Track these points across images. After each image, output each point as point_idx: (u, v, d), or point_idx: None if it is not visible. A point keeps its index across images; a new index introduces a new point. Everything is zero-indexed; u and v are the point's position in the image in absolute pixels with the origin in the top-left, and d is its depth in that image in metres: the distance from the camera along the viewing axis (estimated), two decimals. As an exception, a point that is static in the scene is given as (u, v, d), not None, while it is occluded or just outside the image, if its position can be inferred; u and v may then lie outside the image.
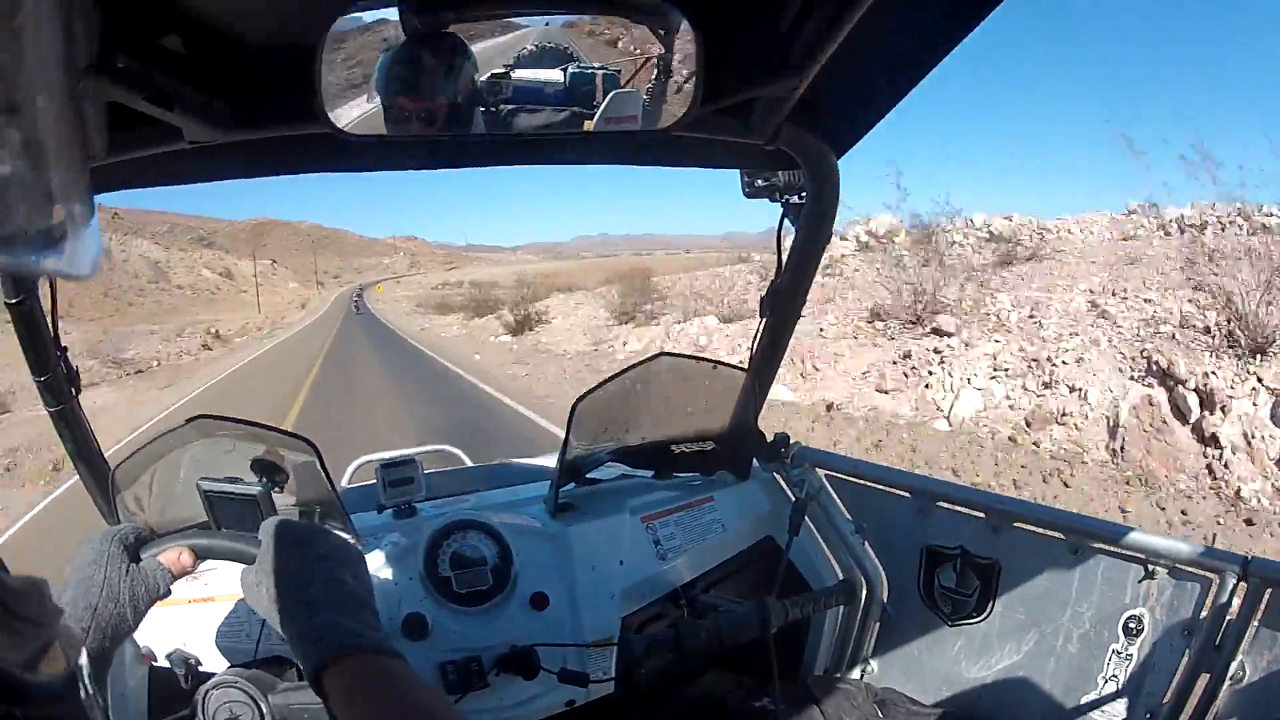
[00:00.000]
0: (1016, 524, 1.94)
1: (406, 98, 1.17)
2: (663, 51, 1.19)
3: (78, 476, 1.89)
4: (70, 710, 0.57)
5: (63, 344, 1.71)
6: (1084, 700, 1.82)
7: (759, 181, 1.81)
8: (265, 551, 1.06)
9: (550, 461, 2.12)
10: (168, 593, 1.12)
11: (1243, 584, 1.60)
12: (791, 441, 2.24)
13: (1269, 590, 1.56)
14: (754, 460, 2.23)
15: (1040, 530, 1.92)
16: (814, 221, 1.79)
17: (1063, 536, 1.87)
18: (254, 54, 1.11)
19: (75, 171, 0.37)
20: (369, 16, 1.08)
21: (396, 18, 1.10)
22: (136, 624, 1.07)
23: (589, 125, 1.23)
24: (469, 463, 2.85)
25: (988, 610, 2.00)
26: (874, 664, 2.21)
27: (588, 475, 2.01)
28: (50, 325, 1.65)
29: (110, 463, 1.71)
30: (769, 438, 2.23)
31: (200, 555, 1.15)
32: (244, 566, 1.12)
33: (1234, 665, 1.58)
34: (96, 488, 1.82)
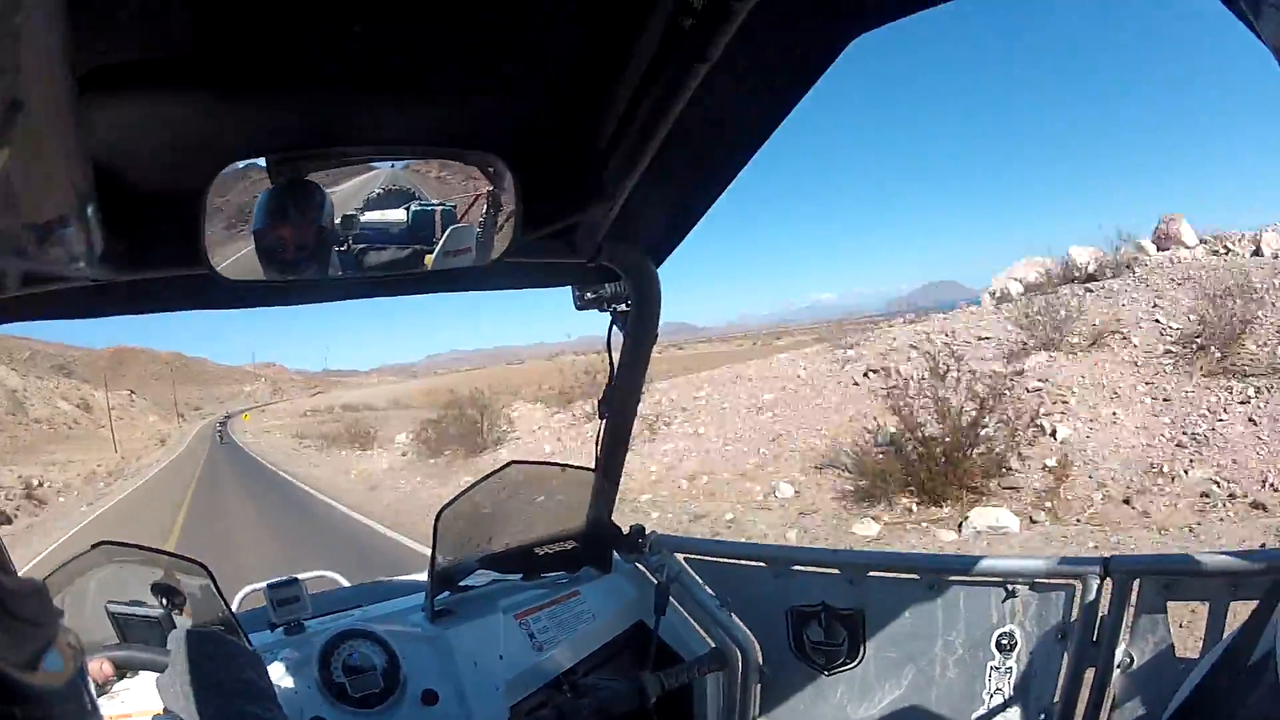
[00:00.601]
0: (872, 573, 2.10)
1: (274, 240, 1.30)
2: (490, 188, 1.36)
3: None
4: (70, 710, 0.56)
5: None
6: (975, 716, 1.96)
7: (588, 295, 1.96)
8: (178, 656, 1.16)
9: (422, 577, 2.23)
10: None
11: (1108, 581, 1.75)
12: (648, 531, 2.40)
13: (1136, 580, 1.72)
14: (614, 553, 2.38)
15: (895, 574, 2.08)
16: (640, 326, 1.95)
17: (918, 576, 2.03)
18: (147, 199, 1.22)
19: (75, 166, 0.39)
20: (243, 166, 1.22)
21: (265, 169, 1.24)
22: None
23: (429, 259, 1.38)
24: (346, 584, 2.91)
25: (860, 655, 2.15)
26: None
27: (460, 583, 2.12)
28: None
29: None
30: (625, 530, 2.38)
31: (119, 665, 1.25)
32: (158, 675, 1.21)
33: (1119, 654, 1.72)
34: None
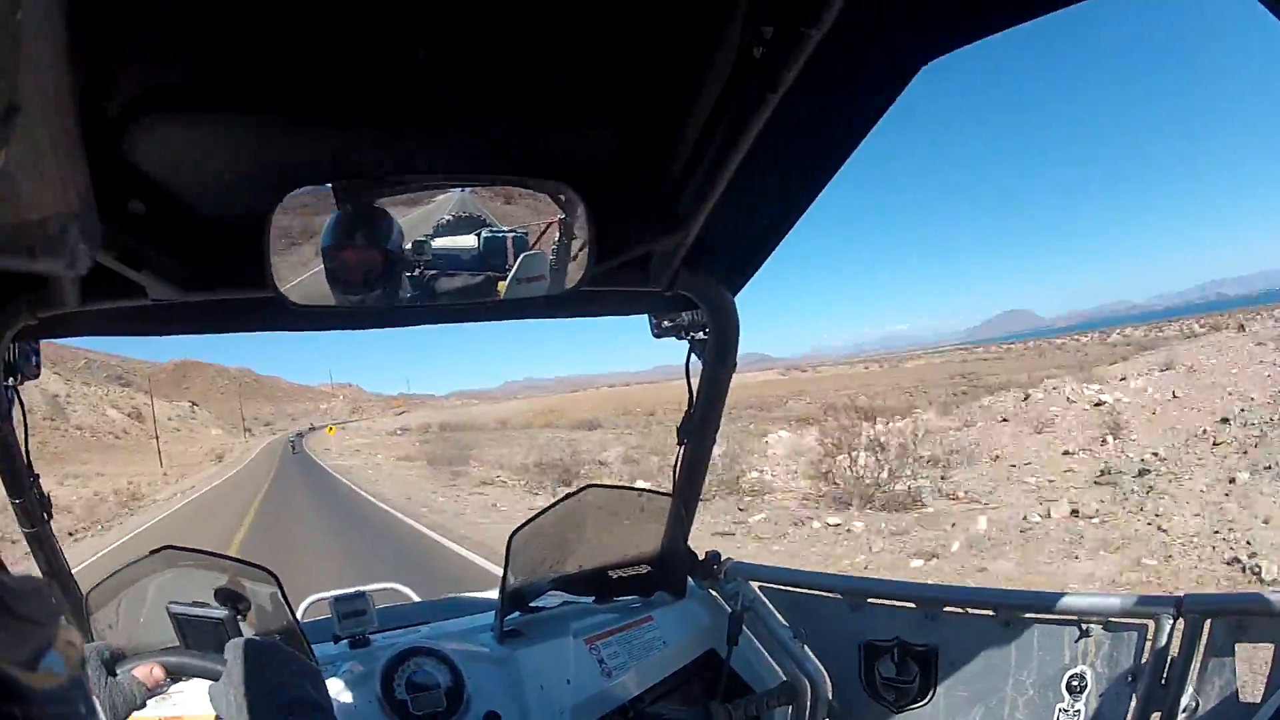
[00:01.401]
0: (947, 608, 2.05)
1: (341, 265, 1.31)
2: (563, 216, 1.36)
3: None
4: (70, 710, 0.56)
5: (35, 470, 1.79)
6: None
7: (665, 323, 1.99)
8: (233, 666, 1.15)
9: (492, 595, 2.23)
10: (143, 705, 1.19)
11: (1180, 621, 1.69)
12: (724, 558, 2.36)
13: (1208, 621, 1.66)
14: (689, 578, 2.34)
15: (971, 610, 2.03)
16: (719, 354, 1.95)
17: (993, 612, 1.97)
18: (210, 223, 1.25)
19: (76, 167, 0.40)
20: (310, 192, 1.23)
21: (331, 196, 1.26)
22: None
23: (502, 286, 1.38)
24: (416, 598, 2.91)
25: (930, 694, 2.09)
26: None
27: (531, 604, 2.10)
28: (24, 453, 1.73)
29: (81, 585, 1.78)
30: (701, 556, 2.35)
31: (171, 670, 1.24)
32: (212, 683, 1.20)
33: (1185, 698, 1.67)
34: (69, 607, 1.87)
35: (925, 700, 2.11)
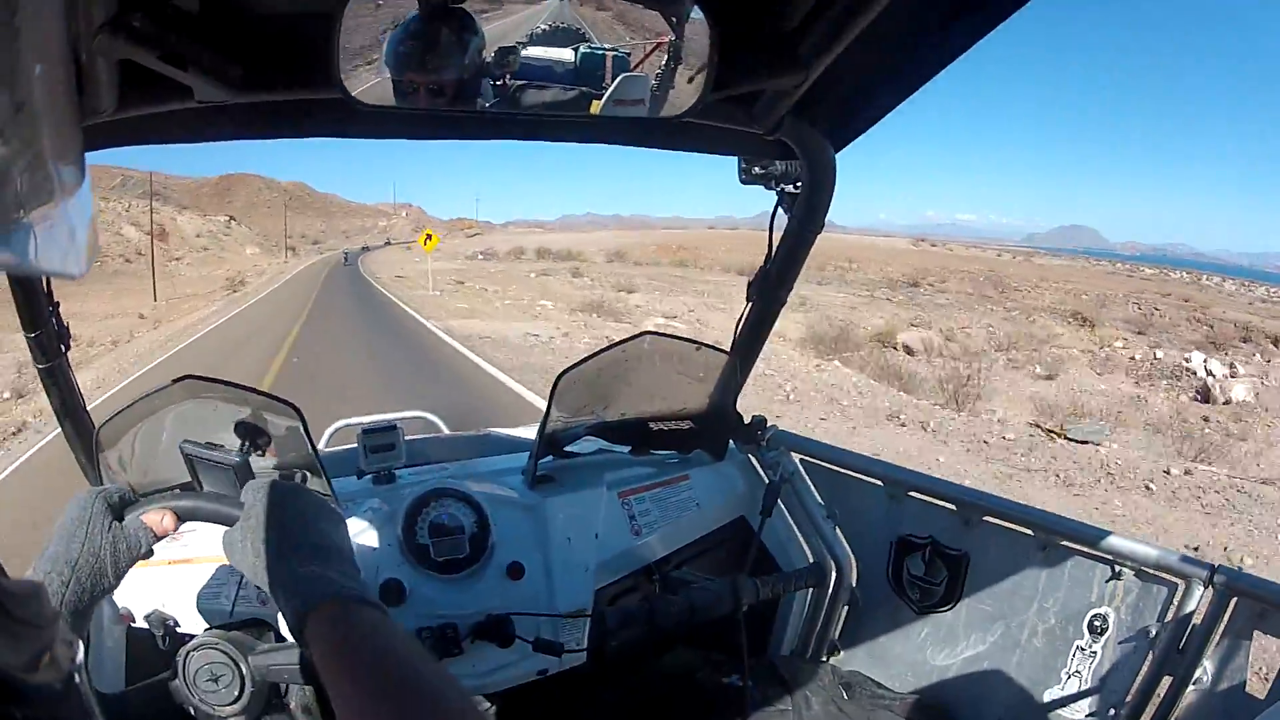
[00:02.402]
0: (987, 518, 2.02)
1: (414, 70, 1.22)
2: (674, 38, 1.25)
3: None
4: (69, 711, 0.58)
5: (55, 299, 1.74)
6: (1047, 694, 1.92)
7: (755, 169, 1.88)
8: (250, 509, 1.12)
9: (528, 433, 2.19)
10: (150, 552, 1.16)
11: (1208, 590, 1.68)
12: (768, 425, 2.32)
13: (1234, 599, 1.64)
14: (730, 441, 2.31)
15: (1010, 525, 2.00)
16: (808, 212, 1.86)
17: (1032, 533, 1.95)
18: (269, 18, 1.15)
19: (69, 149, 0.38)
20: None
21: None
22: (117, 582, 1.11)
23: (596, 106, 1.28)
24: (446, 430, 2.90)
25: (955, 600, 2.09)
26: (841, 648, 2.31)
27: (566, 449, 2.06)
28: (45, 281, 1.68)
29: (95, 420, 1.75)
30: (747, 419, 2.31)
31: (183, 517, 1.19)
32: (225, 528, 1.17)
33: (1197, 670, 1.66)
34: (80, 446, 1.86)
35: (948, 606, 2.11)
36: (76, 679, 0.63)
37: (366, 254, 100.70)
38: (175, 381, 1.59)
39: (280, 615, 1.45)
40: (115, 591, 1.14)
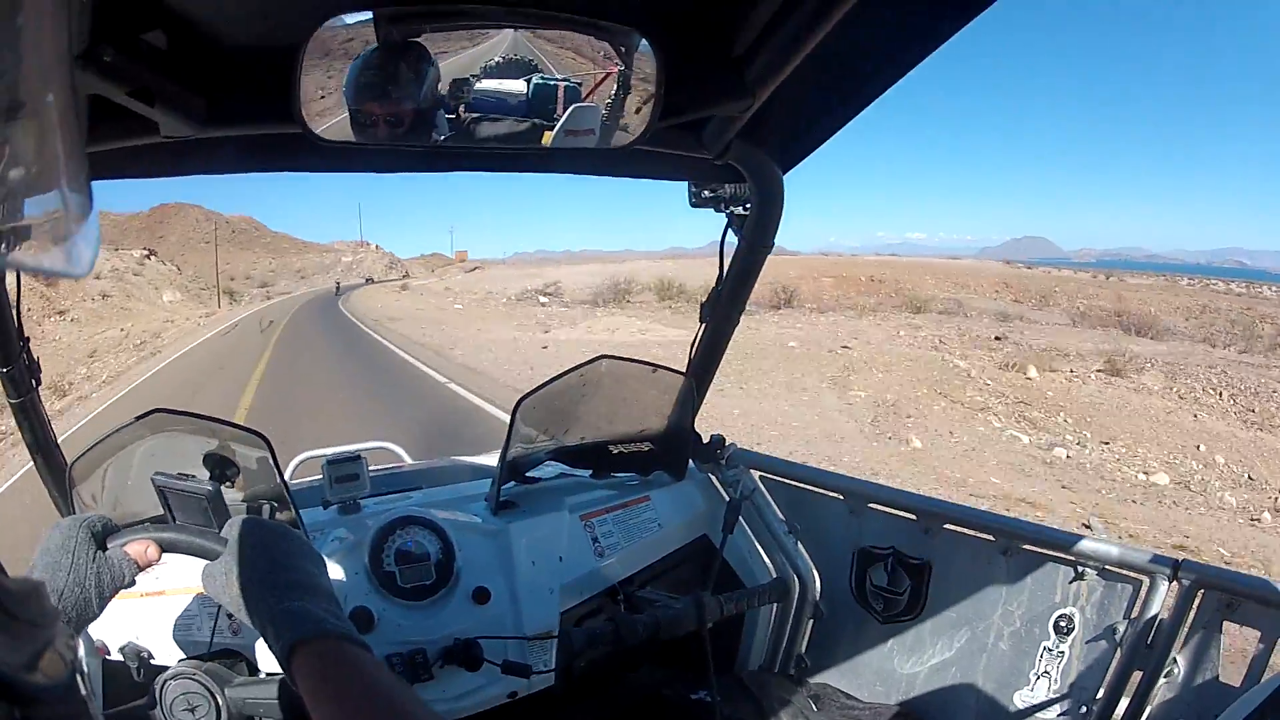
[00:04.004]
0: (947, 525, 2.11)
1: (373, 104, 1.28)
2: (623, 68, 1.32)
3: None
4: (69, 711, 0.59)
5: (26, 335, 1.78)
6: (1017, 696, 1.99)
7: (705, 193, 1.97)
8: (233, 545, 1.15)
9: (491, 460, 2.25)
10: (132, 583, 1.19)
11: (1175, 585, 1.75)
12: (727, 443, 2.40)
13: (1201, 592, 1.72)
14: (690, 461, 2.38)
15: (971, 532, 2.08)
16: (758, 232, 1.95)
17: (992, 538, 2.03)
18: (235, 54, 1.21)
19: (76, 165, 0.39)
20: (349, 22, 1.19)
21: (372, 27, 1.21)
22: (100, 611, 1.14)
23: (548, 137, 1.35)
24: (409, 460, 2.94)
25: (919, 609, 2.17)
26: (809, 661, 2.37)
27: (528, 474, 2.12)
28: (15, 316, 1.72)
29: (67, 455, 1.78)
30: (705, 439, 2.38)
31: (165, 549, 1.23)
32: (205, 562, 1.20)
33: (1168, 664, 1.73)
34: (53, 480, 1.90)
35: (913, 616, 2.19)
36: (76, 678, 0.64)
37: (345, 294, 79.54)
38: (144, 416, 1.62)
39: (256, 647, 1.50)
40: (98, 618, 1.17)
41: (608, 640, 1.89)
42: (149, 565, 1.22)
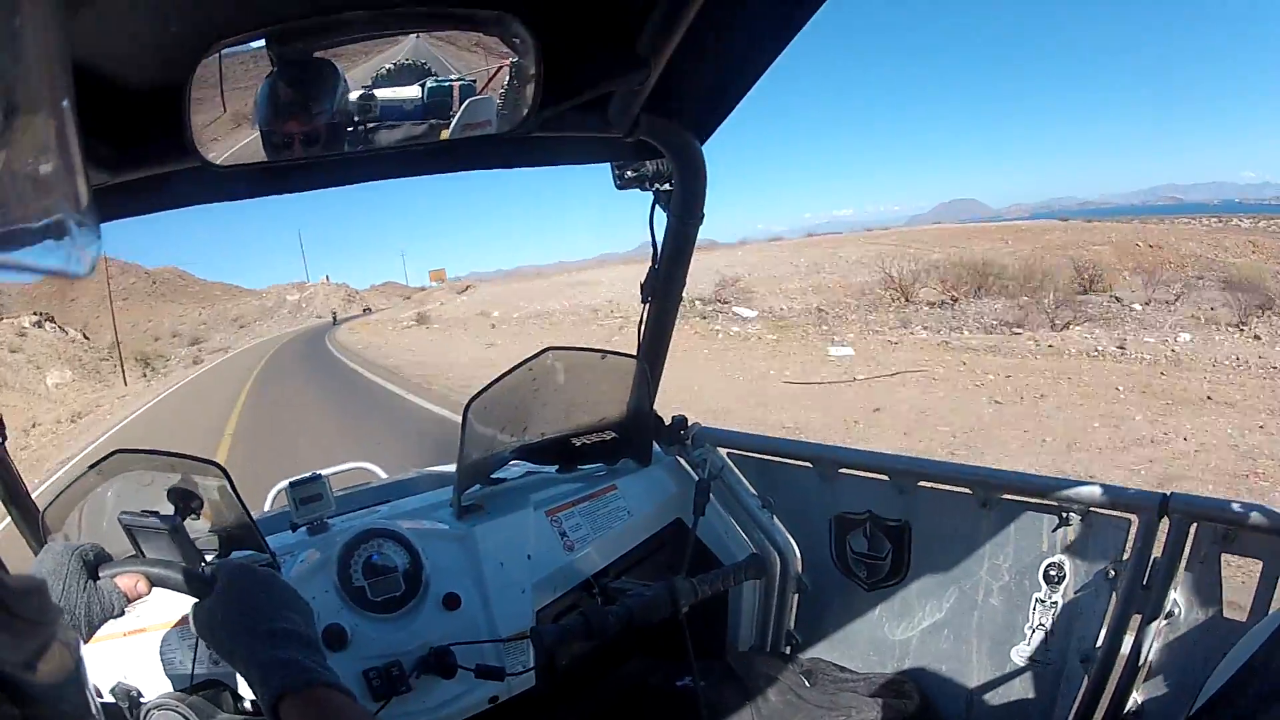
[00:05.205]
0: (922, 483, 2.10)
1: (279, 124, 1.32)
2: (514, 59, 1.36)
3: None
4: (71, 710, 0.60)
5: None
6: (1014, 651, 1.98)
7: (629, 173, 2.00)
8: (224, 589, 1.20)
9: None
10: (121, 613, 1.23)
11: (1165, 520, 1.72)
12: (690, 423, 2.42)
13: (1194, 525, 1.69)
14: (655, 445, 2.40)
15: (947, 487, 2.08)
16: (685, 206, 1.98)
17: (970, 491, 2.02)
18: (128, 96, 1.24)
19: (76, 164, 0.40)
20: (239, 51, 1.22)
21: (265, 51, 1.25)
22: (88, 639, 1.18)
23: (446, 134, 1.40)
24: (385, 477, 2.94)
25: (904, 572, 2.18)
26: (799, 637, 2.39)
27: (493, 475, 2.15)
28: None
29: (39, 504, 1.81)
30: (667, 421, 2.41)
31: (154, 583, 1.26)
32: (196, 602, 1.25)
33: (1166, 603, 1.71)
34: (28, 529, 1.93)
35: (898, 579, 2.20)
36: (77, 677, 0.65)
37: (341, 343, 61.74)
38: (106, 458, 1.67)
39: (239, 676, 1.55)
40: (86, 644, 1.19)
41: (579, 634, 1.90)
42: (138, 598, 1.25)
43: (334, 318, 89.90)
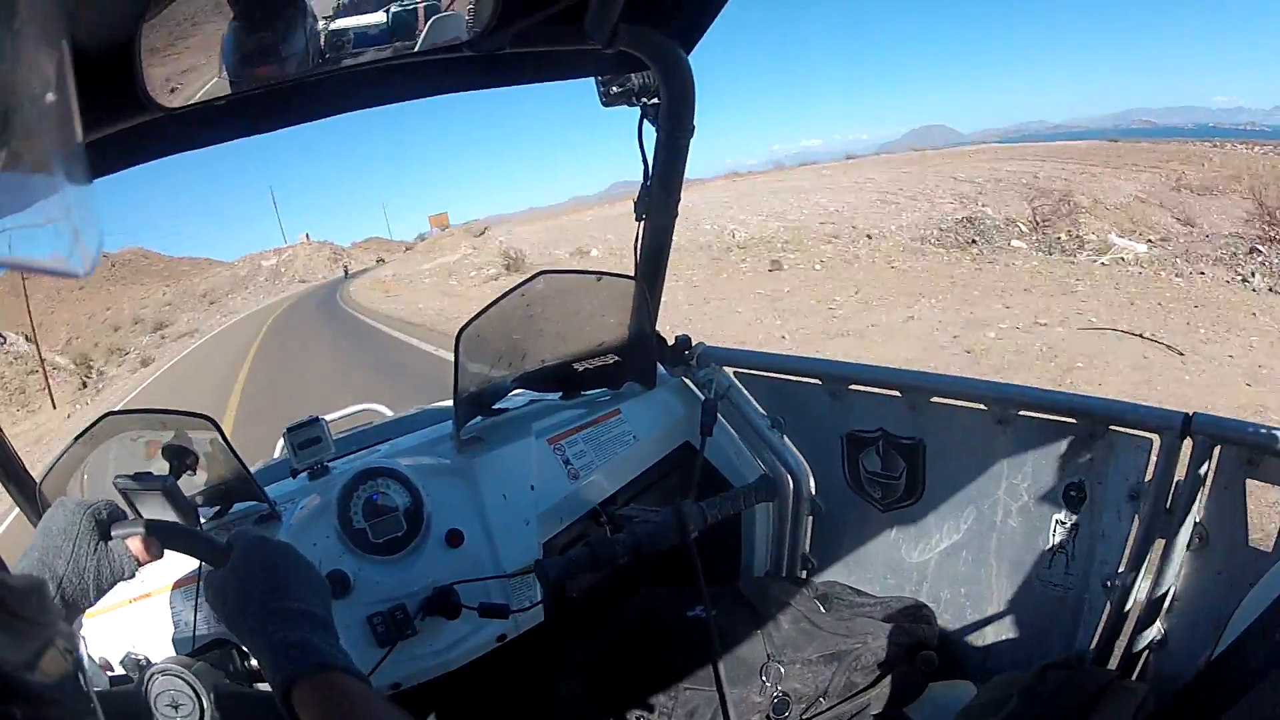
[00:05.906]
0: (935, 399, 2.04)
1: (245, 63, 1.29)
2: None
3: None
4: (69, 710, 0.60)
5: None
6: (1034, 574, 1.94)
7: (614, 89, 1.93)
8: (239, 561, 1.18)
9: None
10: (132, 576, 1.21)
11: (1187, 441, 1.66)
12: (694, 343, 2.38)
13: (1218, 448, 1.62)
14: (660, 366, 2.35)
15: (961, 403, 2.02)
16: (674, 119, 1.91)
17: (985, 408, 1.96)
18: (87, 53, 1.18)
19: (76, 163, 0.40)
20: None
21: None
22: (96, 600, 1.16)
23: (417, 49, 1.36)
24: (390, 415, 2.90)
25: (919, 492, 2.14)
26: (814, 560, 2.37)
27: (494, 406, 2.12)
28: None
29: (35, 476, 1.81)
30: (670, 341, 2.37)
31: (169, 548, 1.24)
32: (210, 570, 1.22)
33: (1188, 527, 1.66)
34: (26, 503, 1.92)
35: (913, 499, 2.16)
36: (77, 676, 0.66)
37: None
38: (96, 423, 1.65)
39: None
40: (89, 643, 1.18)
41: (584, 565, 1.85)
42: (150, 561, 1.23)
43: (345, 271, 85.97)
